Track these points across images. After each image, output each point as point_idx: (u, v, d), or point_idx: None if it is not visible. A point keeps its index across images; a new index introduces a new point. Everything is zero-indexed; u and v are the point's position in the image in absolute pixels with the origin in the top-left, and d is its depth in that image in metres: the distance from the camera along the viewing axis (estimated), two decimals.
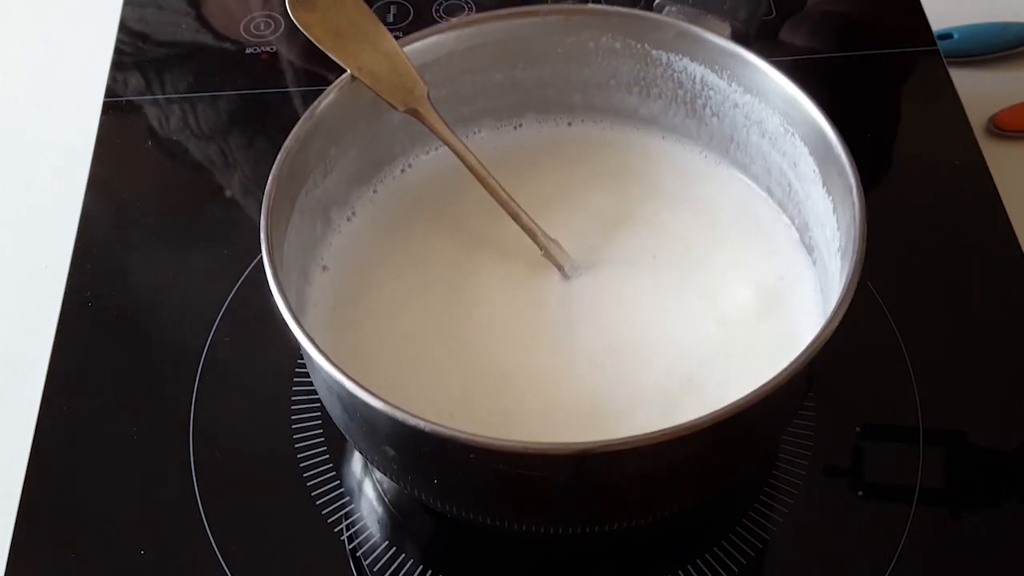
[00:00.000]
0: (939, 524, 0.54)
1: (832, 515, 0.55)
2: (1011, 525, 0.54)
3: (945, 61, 0.73)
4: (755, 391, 0.42)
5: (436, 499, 0.48)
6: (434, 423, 0.41)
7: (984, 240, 0.64)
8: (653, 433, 0.41)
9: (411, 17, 0.75)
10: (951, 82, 0.71)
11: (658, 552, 0.53)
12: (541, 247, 0.54)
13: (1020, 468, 0.56)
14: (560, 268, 0.54)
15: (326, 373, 0.43)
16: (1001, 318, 0.62)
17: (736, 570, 0.52)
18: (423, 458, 0.45)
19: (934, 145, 0.70)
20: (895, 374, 0.58)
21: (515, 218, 0.53)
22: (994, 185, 0.66)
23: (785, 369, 0.43)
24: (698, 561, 0.52)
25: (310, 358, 0.44)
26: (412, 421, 0.42)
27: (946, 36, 0.76)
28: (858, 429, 0.57)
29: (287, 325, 0.44)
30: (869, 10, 0.78)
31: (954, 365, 0.59)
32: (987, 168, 0.66)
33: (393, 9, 0.76)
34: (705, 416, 0.41)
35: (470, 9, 0.76)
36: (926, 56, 0.73)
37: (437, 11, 0.76)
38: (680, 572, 0.52)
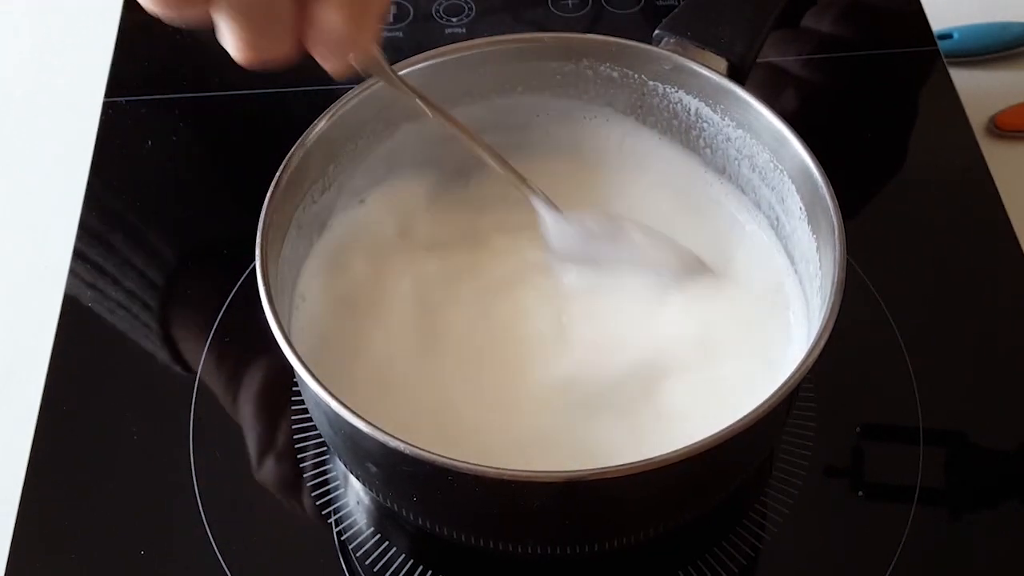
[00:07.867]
0: (939, 524, 0.54)
1: (832, 515, 0.55)
2: (1011, 525, 0.54)
3: (945, 61, 0.73)
4: (730, 426, 0.42)
5: (416, 515, 0.48)
6: (414, 446, 0.42)
7: (985, 240, 0.64)
8: (636, 463, 0.41)
9: (411, 17, 0.75)
10: (951, 82, 0.71)
11: (658, 553, 0.53)
12: (533, 190, 0.53)
13: (1020, 468, 0.56)
14: (551, 204, 0.53)
15: (312, 391, 0.44)
16: (1002, 318, 0.62)
17: (736, 571, 0.52)
18: (404, 477, 0.46)
19: (934, 145, 0.70)
20: (895, 374, 0.58)
21: (502, 166, 0.52)
22: (994, 185, 0.66)
23: (761, 404, 0.43)
24: (698, 562, 0.52)
25: (299, 376, 0.45)
26: (393, 443, 0.42)
27: (946, 36, 0.76)
28: (858, 429, 0.57)
29: (278, 344, 0.44)
30: (869, 10, 0.78)
31: (954, 365, 0.60)
32: (987, 168, 0.66)
33: (393, 9, 0.75)
34: (682, 448, 0.42)
35: (470, 10, 0.76)
36: (926, 56, 0.73)
37: (437, 11, 0.76)
38: (680, 573, 0.52)
